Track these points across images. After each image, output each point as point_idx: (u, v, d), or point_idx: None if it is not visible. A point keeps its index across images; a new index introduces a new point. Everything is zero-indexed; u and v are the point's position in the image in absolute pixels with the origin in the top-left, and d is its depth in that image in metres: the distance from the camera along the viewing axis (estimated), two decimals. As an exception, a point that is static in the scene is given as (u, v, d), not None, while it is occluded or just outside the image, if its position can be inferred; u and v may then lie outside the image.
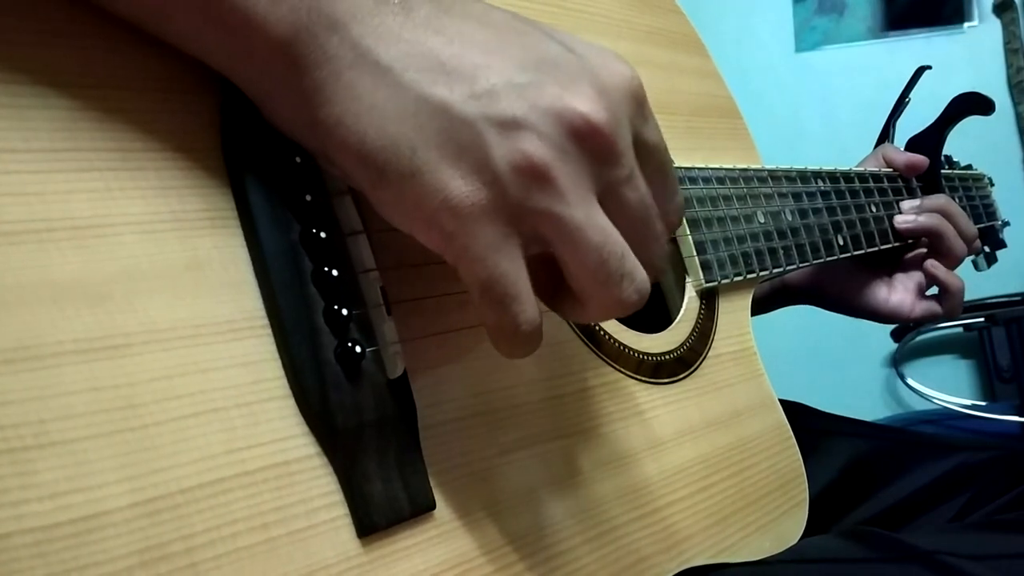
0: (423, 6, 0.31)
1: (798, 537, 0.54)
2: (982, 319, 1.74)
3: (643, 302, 0.34)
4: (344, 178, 0.34)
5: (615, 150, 0.32)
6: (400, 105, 0.30)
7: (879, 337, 1.83)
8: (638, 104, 0.34)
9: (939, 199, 0.77)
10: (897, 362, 1.84)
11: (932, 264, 0.76)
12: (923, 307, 0.77)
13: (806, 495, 0.56)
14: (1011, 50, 1.85)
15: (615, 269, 0.32)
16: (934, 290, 0.78)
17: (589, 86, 0.32)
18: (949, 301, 0.76)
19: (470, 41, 0.31)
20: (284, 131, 0.33)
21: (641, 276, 0.33)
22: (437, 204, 0.30)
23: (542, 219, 0.31)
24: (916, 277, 0.78)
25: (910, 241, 0.77)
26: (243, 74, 0.32)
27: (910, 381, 1.79)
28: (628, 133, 0.33)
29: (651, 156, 0.35)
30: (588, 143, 0.31)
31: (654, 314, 0.56)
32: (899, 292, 0.77)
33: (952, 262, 0.76)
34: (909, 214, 0.76)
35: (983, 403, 1.73)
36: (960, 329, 1.82)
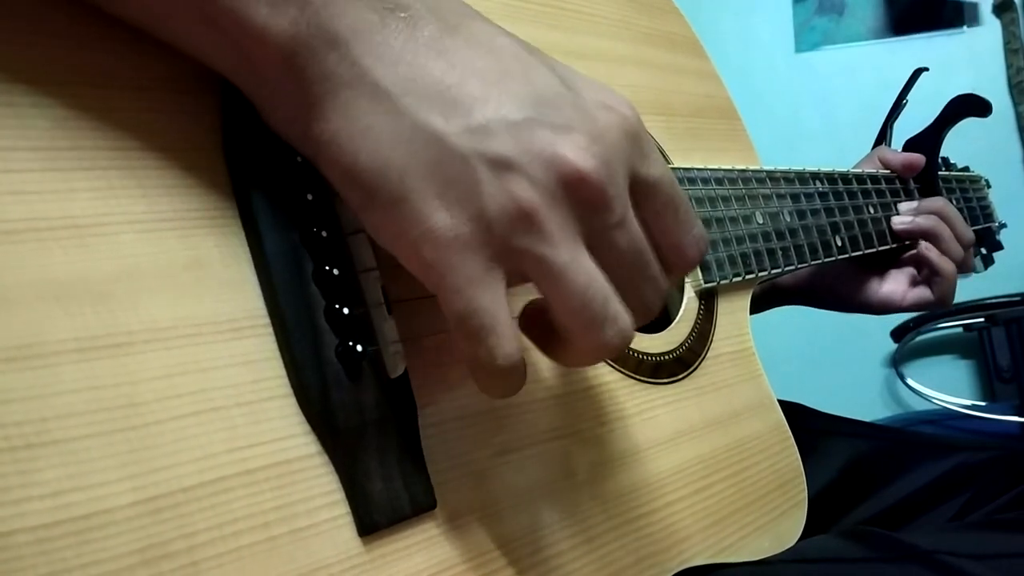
0: (428, 25, 0.31)
1: (797, 537, 0.54)
2: (982, 319, 1.74)
3: (625, 346, 0.34)
4: (336, 190, 0.33)
5: (604, 198, 0.32)
6: (395, 130, 0.30)
7: (879, 337, 1.84)
8: (635, 144, 0.33)
9: (936, 202, 0.77)
10: (897, 362, 1.84)
11: (926, 246, 0.76)
12: (914, 294, 0.76)
13: (805, 495, 0.56)
14: (1011, 50, 1.85)
15: (598, 313, 0.32)
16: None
17: (582, 131, 0.32)
18: (940, 286, 0.75)
19: (471, 69, 0.31)
20: (281, 135, 0.33)
21: (624, 321, 0.33)
22: (420, 233, 0.30)
23: (525, 259, 0.31)
24: (908, 270, 0.78)
25: (907, 243, 0.77)
26: (242, 79, 0.32)
27: (910, 381, 1.79)
28: (622, 178, 0.33)
29: (655, 192, 0.34)
30: (577, 192, 0.31)
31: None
32: (890, 283, 0.77)
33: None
34: (906, 216, 0.76)
35: (983, 403, 1.73)
36: (960, 329, 1.82)
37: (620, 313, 0.33)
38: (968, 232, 0.78)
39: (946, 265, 0.75)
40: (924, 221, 0.76)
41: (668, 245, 0.36)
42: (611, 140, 0.32)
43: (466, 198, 0.30)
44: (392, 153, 0.30)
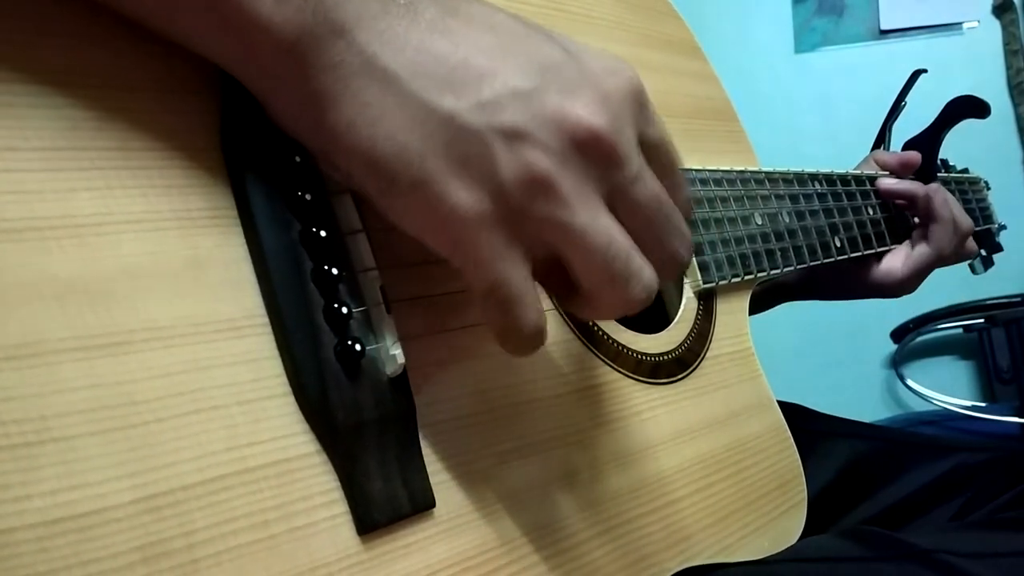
0: (428, 8, 0.32)
1: (797, 537, 0.54)
2: (982, 320, 1.74)
3: (651, 299, 0.35)
4: (346, 181, 0.34)
5: (617, 154, 0.32)
6: (408, 114, 0.30)
7: (879, 338, 1.84)
8: (640, 105, 0.34)
9: (931, 186, 0.78)
10: (897, 363, 1.84)
11: (919, 198, 0.76)
12: (913, 258, 0.76)
13: (804, 495, 0.56)
14: (1011, 51, 1.85)
15: (621, 269, 0.33)
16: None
17: (590, 93, 0.32)
18: (937, 233, 0.75)
19: (475, 46, 0.32)
20: (287, 130, 0.33)
21: (648, 276, 0.34)
22: (444, 213, 0.31)
23: (546, 226, 0.32)
24: (905, 247, 0.78)
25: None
26: (247, 73, 0.32)
27: (910, 382, 1.79)
28: (632, 135, 0.33)
29: (657, 154, 0.35)
30: (590, 150, 0.32)
31: (653, 315, 0.56)
32: (888, 258, 0.77)
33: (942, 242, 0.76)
34: (893, 179, 0.77)
35: (983, 404, 1.73)
36: (960, 330, 1.82)
37: (643, 268, 0.34)
38: (966, 219, 0.79)
39: (945, 212, 0.75)
40: (909, 184, 0.77)
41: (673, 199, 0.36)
42: (618, 100, 0.33)
43: (484, 174, 0.31)
44: (409, 137, 0.30)
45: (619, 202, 0.33)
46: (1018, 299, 1.72)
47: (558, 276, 0.35)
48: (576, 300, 0.36)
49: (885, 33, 1.93)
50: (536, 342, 0.34)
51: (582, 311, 0.37)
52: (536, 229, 0.32)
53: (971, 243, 0.81)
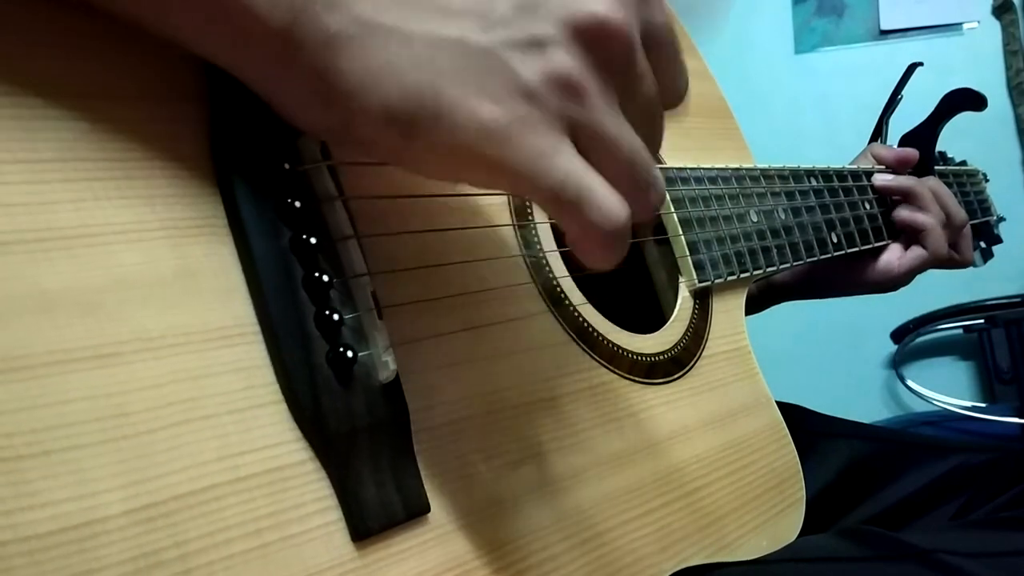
0: None
1: (795, 536, 0.54)
2: (982, 321, 1.74)
3: (659, 210, 0.34)
4: (370, 152, 0.33)
5: (632, 48, 0.32)
6: (412, 54, 0.30)
7: (879, 338, 1.83)
8: None
9: (928, 180, 0.78)
10: (897, 364, 1.84)
11: (903, 206, 0.76)
12: (909, 257, 0.76)
13: (802, 493, 0.56)
14: (1010, 52, 1.85)
15: (644, 176, 0.33)
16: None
17: None
18: (928, 239, 0.75)
19: None
20: (298, 121, 0.33)
21: (661, 182, 0.34)
22: (474, 136, 0.30)
23: (579, 129, 0.31)
24: (901, 242, 0.78)
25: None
26: (248, 64, 0.32)
27: (910, 383, 1.79)
28: (638, 29, 0.33)
29: (660, 38, 0.34)
30: (608, 45, 0.31)
31: (648, 314, 0.56)
32: (885, 254, 0.77)
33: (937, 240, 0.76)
34: (888, 175, 0.77)
35: (983, 405, 1.73)
36: (960, 331, 1.81)
37: (658, 174, 0.34)
38: (961, 212, 0.79)
39: (926, 218, 0.75)
40: (905, 181, 0.77)
41: (665, 84, 0.35)
42: None
43: (509, 85, 0.30)
44: (420, 75, 0.30)
45: (627, 101, 0.33)
46: (1018, 299, 1.71)
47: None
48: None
49: (885, 33, 1.92)
50: (626, 237, 0.32)
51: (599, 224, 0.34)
52: (571, 130, 0.31)
53: (968, 241, 0.81)
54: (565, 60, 0.31)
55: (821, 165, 0.72)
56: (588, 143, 0.31)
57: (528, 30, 0.30)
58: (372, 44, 0.30)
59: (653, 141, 0.35)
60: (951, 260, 0.79)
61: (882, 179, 0.77)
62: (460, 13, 0.31)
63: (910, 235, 0.77)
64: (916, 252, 0.76)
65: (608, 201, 0.31)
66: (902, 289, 0.81)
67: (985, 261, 0.97)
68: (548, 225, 0.48)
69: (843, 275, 0.78)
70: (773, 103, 1.94)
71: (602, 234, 0.31)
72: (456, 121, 0.30)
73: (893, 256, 0.76)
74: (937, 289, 1.66)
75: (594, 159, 0.32)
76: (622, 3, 0.32)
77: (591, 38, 0.31)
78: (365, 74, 0.30)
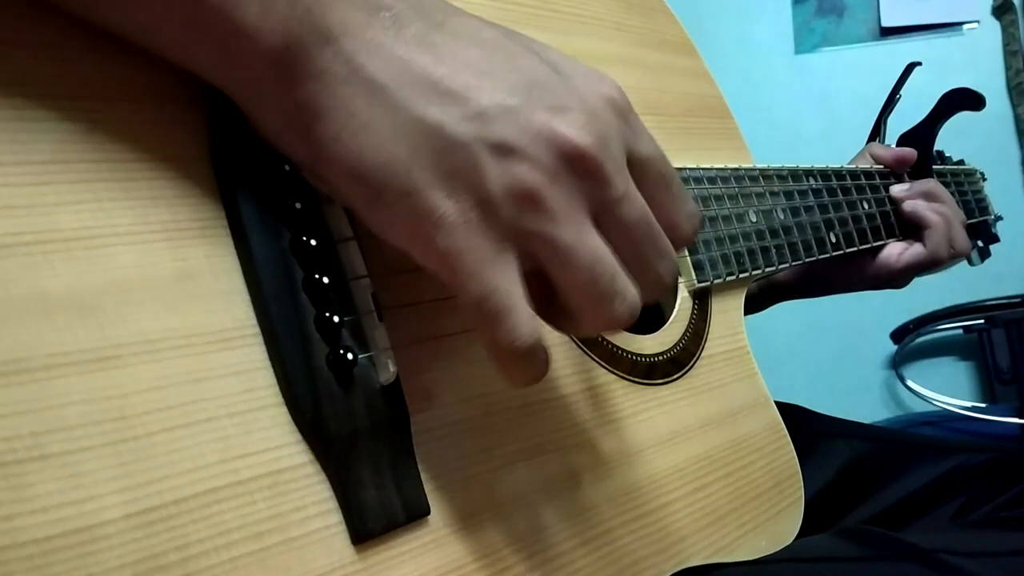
0: (414, 22, 0.31)
1: (794, 536, 0.54)
2: (982, 321, 1.74)
3: (633, 320, 0.34)
4: (330, 192, 0.34)
5: (604, 171, 0.32)
6: (395, 124, 0.30)
7: (879, 339, 1.83)
8: (626, 121, 0.34)
9: (928, 182, 0.78)
10: (897, 364, 1.84)
11: (912, 202, 0.76)
12: (909, 254, 0.76)
13: (801, 493, 0.56)
14: (1010, 52, 1.85)
15: (606, 288, 0.33)
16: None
17: (577, 110, 0.32)
18: (931, 238, 0.76)
19: (462, 61, 0.32)
20: (270, 141, 0.33)
21: (632, 296, 0.34)
22: (432, 223, 0.30)
23: (533, 239, 0.32)
24: (902, 242, 0.78)
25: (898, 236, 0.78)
26: (232, 83, 0.32)
27: (910, 383, 1.79)
28: (620, 153, 0.33)
29: (649, 168, 0.35)
30: (578, 167, 0.32)
31: (647, 315, 0.56)
32: (884, 252, 0.77)
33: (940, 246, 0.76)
34: (901, 191, 0.77)
35: (983, 405, 1.73)
36: (960, 331, 1.81)
37: (627, 287, 0.34)
38: (959, 213, 0.79)
39: (933, 216, 0.76)
40: (921, 185, 0.78)
41: (664, 222, 0.36)
42: (605, 118, 0.33)
43: (471, 184, 0.31)
44: (396, 148, 0.30)
45: (606, 221, 0.33)
46: (1018, 300, 1.71)
47: (541, 290, 0.34)
48: (560, 316, 0.35)
49: (885, 33, 1.92)
50: (535, 362, 0.33)
51: (564, 326, 0.36)
52: (523, 243, 0.32)
53: (964, 238, 0.81)
54: (529, 172, 0.31)
55: (820, 165, 0.72)
56: (540, 250, 0.32)
57: (503, 134, 0.31)
58: (357, 100, 0.30)
59: (648, 262, 0.35)
60: (949, 259, 0.79)
61: (899, 190, 0.77)
62: (448, 93, 0.31)
63: (913, 230, 0.77)
64: (916, 249, 0.76)
65: (520, 325, 0.31)
66: (902, 289, 0.81)
67: (983, 260, 0.97)
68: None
69: (842, 272, 0.78)
70: (773, 103, 1.94)
71: (507, 352, 0.32)
72: (418, 205, 0.30)
73: (893, 252, 0.76)
74: (937, 289, 1.66)
75: (548, 266, 0.32)
76: (600, 131, 0.32)
77: (562, 157, 0.32)
78: (345, 126, 0.30)
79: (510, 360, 0.32)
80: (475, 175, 0.31)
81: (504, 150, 0.31)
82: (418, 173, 0.30)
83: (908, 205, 0.76)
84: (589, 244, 0.32)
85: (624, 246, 0.34)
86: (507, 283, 0.31)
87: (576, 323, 0.35)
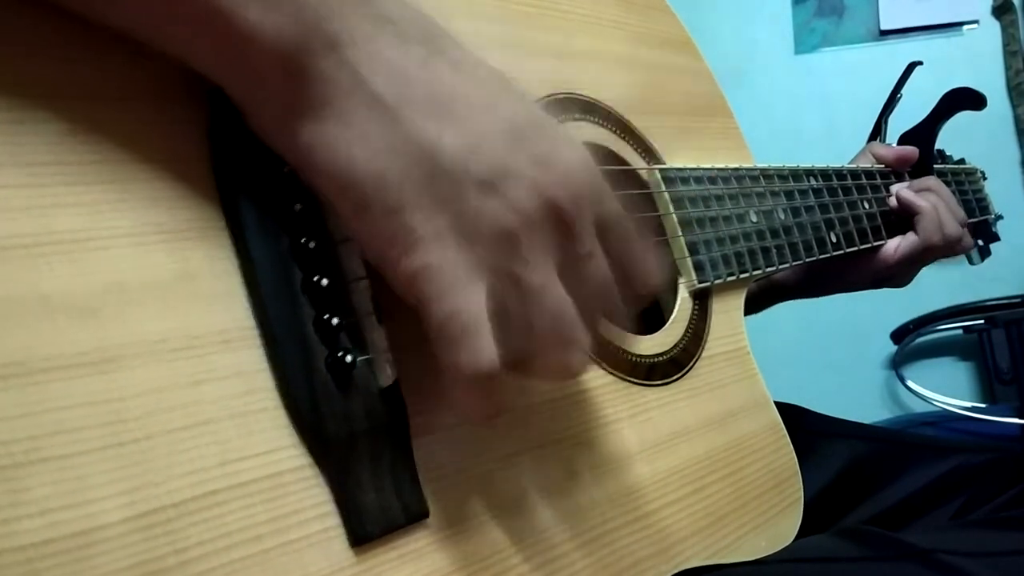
0: (418, 44, 0.32)
1: (793, 536, 0.54)
2: (982, 321, 1.73)
3: (582, 372, 0.36)
4: (317, 193, 0.34)
5: (575, 229, 0.34)
6: (391, 139, 0.31)
7: (879, 339, 1.83)
8: (596, 188, 0.35)
9: (928, 179, 0.77)
10: (897, 364, 1.84)
11: (898, 188, 0.77)
12: (904, 245, 0.76)
13: (801, 494, 0.56)
14: (1010, 52, 1.85)
15: (567, 335, 0.34)
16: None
17: (559, 167, 0.34)
18: (922, 223, 0.76)
19: (459, 92, 0.33)
20: (265, 141, 0.33)
21: (586, 348, 0.35)
22: (410, 242, 0.31)
23: (504, 277, 0.32)
24: (897, 237, 0.78)
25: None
26: (232, 82, 0.32)
27: (910, 383, 1.79)
28: (589, 216, 0.35)
29: (614, 228, 0.36)
30: (554, 219, 0.33)
31: (647, 315, 0.56)
32: (881, 248, 0.77)
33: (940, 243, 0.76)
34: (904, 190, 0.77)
35: (983, 405, 1.73)
36: (960, 331, 1.81)
37: (584, 339, 0.35)
38: (959, 211, 0.79)
39: (921, 201, 0.76)
40: (921, 183, 0.78)
41: (627, 271, 0.37)
42: (582, 180, 0.34)
43: (455, 213, 0.32)
44: (389, 163, 0.31)
45: (570, 274, 0.34)
46: (1018, 300, 1.71)
47: (499, 333, 0.34)
48: (512, 358, 0.35)
49: (885, 34, 1.92)
50: (492, 393, 0.33)
51: (518, 367, 0.35)
52: (494, 278, 0.32)
53: (966, 236, 0.81)
54: (510, 215, 0.32)
55: (820, 164, 0.72)
56: (510, 290, 0.33)
57: (493, 172, 0.32)
58: (357, 110, 0.31)
59: (592, 318, 0.36)
60: (948, 247, 0.78)
61: (905, 194, 0.77)
62: (447, 120, 0.32)
63: (906, 220, 0.77)
64: (909, 238, 0.76)
65: (484, 348, 0.32)
66: (902, 289, 0.81)
67: (983, 259, 0.97)
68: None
69: (843, 272, 0.78)
70: (773, 103, 1.93)
71: (468, 374, 0.32)
72: (403, 223, 0.31)
73: (890, 247, 0.76)
74: (937, 289, 1.67)
75: (514, 305, 0.33)
76: (576, 193, 0.34)
77: (542, 206, 0.33)
78: (338, 136, 0.31)
79: (470, 386, 0.33)
80: (460, 205, 0.31)
81: (491, 188, 0.32)
82: (408, 192, 0.31)
83: (899, 195, 0.77)
84: (556, 291, 0.33)
85: (581, 299, 0.35)
86: (474, 306, 0.32)
87: (528, 367, 0.35)
